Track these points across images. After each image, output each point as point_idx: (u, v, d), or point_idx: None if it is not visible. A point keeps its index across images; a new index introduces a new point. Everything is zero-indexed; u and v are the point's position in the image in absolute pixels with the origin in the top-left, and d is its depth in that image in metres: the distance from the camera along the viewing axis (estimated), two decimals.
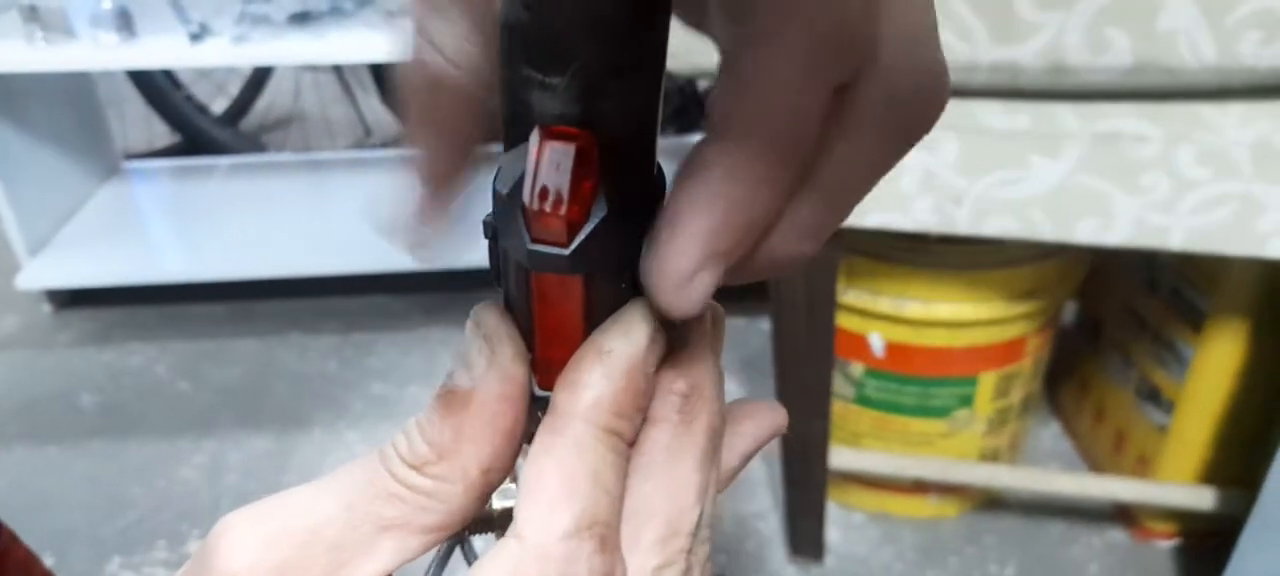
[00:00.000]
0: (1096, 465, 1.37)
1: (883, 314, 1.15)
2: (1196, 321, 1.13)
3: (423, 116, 0.21)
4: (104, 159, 2.03)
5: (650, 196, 0.22)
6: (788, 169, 0.20)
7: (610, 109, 0.20)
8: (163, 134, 2.31)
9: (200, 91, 2.26)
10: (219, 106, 2.35)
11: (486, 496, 0.24)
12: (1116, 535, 1.28)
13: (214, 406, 1.58)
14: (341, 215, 1.93)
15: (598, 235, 0.21)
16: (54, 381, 1.64)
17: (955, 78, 0.96)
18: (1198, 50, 0.85)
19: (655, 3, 0.19)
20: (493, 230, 0.23)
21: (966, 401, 1.20)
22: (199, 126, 2.20)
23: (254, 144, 2.38)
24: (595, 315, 0.23)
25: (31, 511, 1.38)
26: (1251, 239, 0.90)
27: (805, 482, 1.22)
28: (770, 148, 0.19)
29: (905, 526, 1.31)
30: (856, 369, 1.21)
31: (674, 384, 0.23)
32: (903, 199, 0.95)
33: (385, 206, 0.23)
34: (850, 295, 1.15)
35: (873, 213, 0.96)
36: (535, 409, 0.26)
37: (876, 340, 1.17)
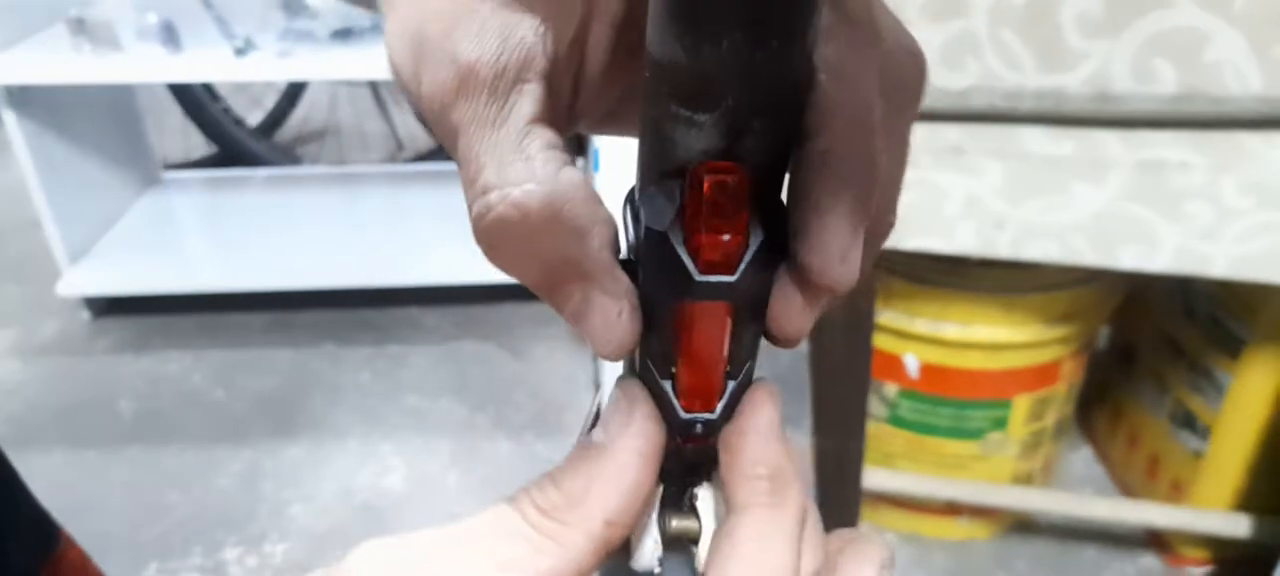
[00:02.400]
0: (1129, 490, 1.37)
1: (919, 335, 1.16)
2: (1234, 349, 1.13)
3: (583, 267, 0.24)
4: (144, 169, 2.07)
5: (781, 223, 0.23)
6: (881, 151, 0.22)
7: (754, 145, 0.21)
8: (199, 145, 2.34)
9: (237, 104, 2.30)
10: (255, 119, 2.39)
11: (607, 549, 0.26)
12: (1149, 561, 1.27)
13: (250, 415, 1.60)
14: (374, 228, 1.96)
15: (755, 262, 0.22)
16: (93, 388, 1.67)
17: (1002, 104, 0.97)
18: (1244, 80, 0.86)
19: (803, 49, 0.20)
20: (636, 265, 0.24)
21: (1000, 424, 1.21)
22: (236, 138, 2.23)
23: (289, 156, 2.41)
24: (740, 338, 0.24)
25: (69, 516, 1.40)
26: None
27: (839, 503, 1.22)
28: (872, 133, 0.22)
29: (937, 548, 1.31)
30: (891, 389, 1.22)
31: (756, 469, 0.25)
32: (946, 222, 0.96)
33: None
34: (886, 316, 1.16)
35: (915, 236, 0.97)
36: (678, 447, 0.27)
37: (912, 361, 1.18)
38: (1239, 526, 1.15)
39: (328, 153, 2.58)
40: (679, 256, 0.21)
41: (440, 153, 2.34)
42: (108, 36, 1.54)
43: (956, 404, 1.19)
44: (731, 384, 0.26)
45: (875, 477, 1.22)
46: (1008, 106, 0.90)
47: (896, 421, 1.23)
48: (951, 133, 0.93)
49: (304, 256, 1.83)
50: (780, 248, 0.23)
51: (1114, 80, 0.88)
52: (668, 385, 0.25)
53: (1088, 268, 0.97)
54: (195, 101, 2.16)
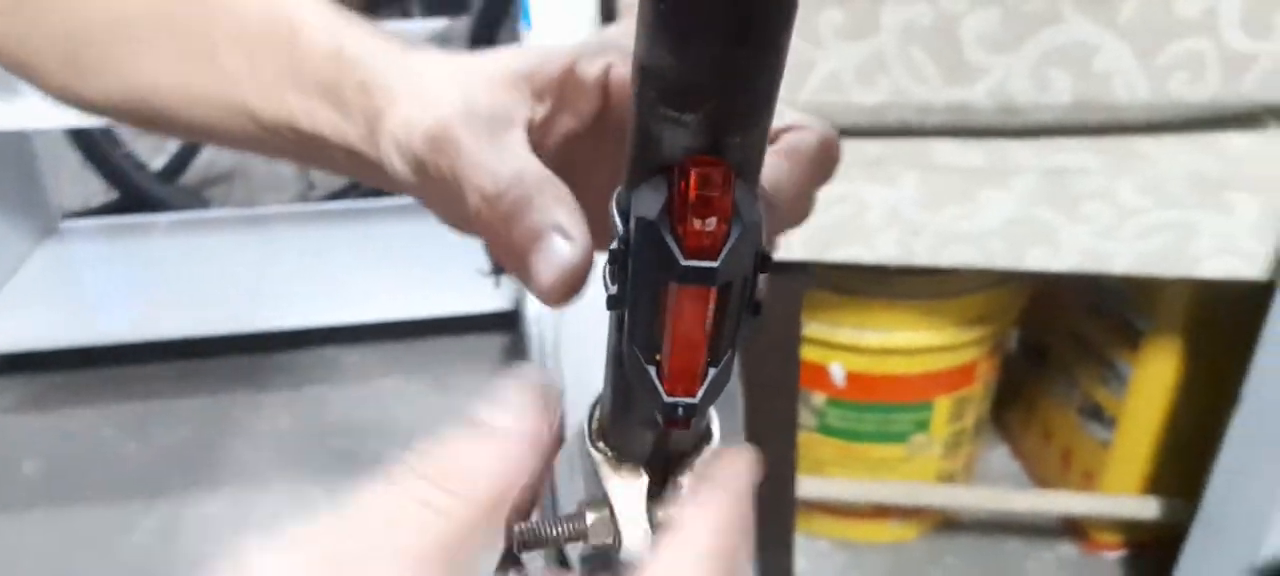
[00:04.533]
0: (1044, 483, 1.43)
1: (843, 344, 1.19)
2: (1135, 341, 1.20)
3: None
4: (41, 219, 1.99)
5: (759, 214, 0.25)
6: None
7: (736, 142, 0.23)
8: (99, 191, 2.26)
9: (139, 148, 2.23)
10: (158, 162, 2.32)
11: (487, 528, 0.25)
12: (1067, 549, 1.33)
13: (164, 469, 1.54)
14: (287, 269, 1.92)
15: (736, 248, 0.24)
16: None
17: (914, 118, 1.02)
18: (1132, 88, 0.92)
19: (779, 56, 0.22)
20: (625, 255, 0.25)
21: (923, 426, 1.25)
22: (138, 183, 2.16)
23: (195, 200, 2.34)
24: (721, 324, 0.26)
25: None
26: (1187, 261, 0.97)
27: (775, 513, 1.25)
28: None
29: (869, 552, 1.35)
30: (819, 399, 1.25)
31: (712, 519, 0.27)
32: (868, 233, 1.00)
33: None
34: (812, 327, 1.20)
35: (840, 246, 1.01)
36: (663, 435, 0.29)
37: (838, 370, 1.22)
38: (1148, 509, 1.21)
39: (236, 194, 2.51)
40: (666, 243, 0.23)
41: (353, 191, 2.31)
42: (4, 81, 1.48)
43: (882, 409, 1.23)
44: (712, 371, 0.27)
45: (807, 486, 1.25)
46: (919, 120, 0.95)
47: (825, 430, 1.27)
48: (872, 147, 0.97)
49: (214, 302, 1.78)
50: (758, 237, 0.24)
51: (1015, 92, 0.94)
52: (652, 370, 0.26)
53: (999, 271, 1.02)
54: (95, 146, 2.09)
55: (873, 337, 1.17)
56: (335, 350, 1.83)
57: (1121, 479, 1.26)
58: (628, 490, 0.32)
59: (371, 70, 0.35)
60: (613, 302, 0.27)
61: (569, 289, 0.30)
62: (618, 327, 0.28)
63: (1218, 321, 1.13)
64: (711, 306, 0.25)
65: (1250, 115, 0.96)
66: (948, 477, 1.32)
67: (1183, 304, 1.14)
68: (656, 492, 0.33)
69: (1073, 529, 1.35)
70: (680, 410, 0.27)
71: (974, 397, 1.27)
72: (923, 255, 1.01)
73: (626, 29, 0.28)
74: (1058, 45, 0.91)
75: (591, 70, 0.34)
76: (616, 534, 0.32)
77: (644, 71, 0.23)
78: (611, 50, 0.34)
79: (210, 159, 2.54)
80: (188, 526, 1.43)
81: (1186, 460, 1.18)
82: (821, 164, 0.31)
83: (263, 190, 2.51)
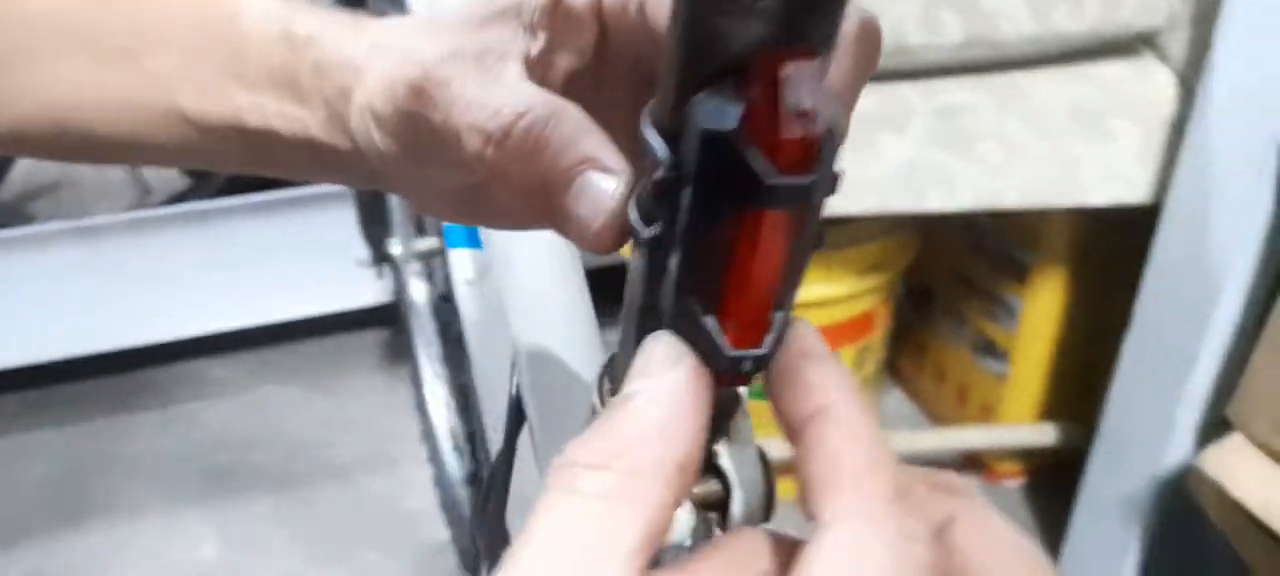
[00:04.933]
0: (942, 421, 1.47)
1: None
2: (1021, 274, 1.23)
3: None
4: None
5: (839, 108, 0.21)
6: None
7: (819, 24, 0.19)
8: None
9: None
10: None
11: (678, 504, 0.22)
12: (970, 482, 1.37)
13: (23, 511, 1.40)
14: (131, 282, 1.76)
15: (828, 157, 0.20)
16: None
17: None
18: (1017, 24, 0.93)
19: None
20: (677, 183, 0.21)
21: None
22: None
23: (16, 215, 2.13)
24: (797, 256, 0.22)
25: None
26: (1076, 191, 0.99)
27: None
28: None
29: (786, 507, 1.35)
30: None
31: (820, 395, 0.24)
32: None
33: None
34: None
35: None
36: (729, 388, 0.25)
37: None
38: (1045, 435, 1.26)
39: (65, 206, 2.30)
40: (747, 161, 0.19)
41: (196, 192, 2.15)
42: None
43: None
44: (778, 315, 0.24)
45: None
46: None
47: None
48: None
49: (51, 324, 1.62)
50: (842, 142, 0.21)
51: (907, 33, 0.94)
52: (710, 322, 0.22)
53: (895, 216, 1.03)
54: None
55: None
56: (199, 363, 1.70)
57: (1018, 409, 1.30)
58: None
59: (329, 48, 0.31)
60: (654, 246, 0.23)
61: (620, 231, 0.25)
62: (652, 277, 0.24)
63: (1100, 247, 1.17)
64: (803, 226, 0.21)
65: (1126, 43, 0.99)
66: None
67: (1065, 234, 1.18)
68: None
69: (973, 462, 1.39)
70: (746, 364, 0.23)
71: (874, 345, 1.29)
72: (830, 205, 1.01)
73: None
74: None
75: None
76: None
77: None
78: None
79: (29, 169, 2.31)
80: (56, 571, 1.30)
81: (1080, 385, 1.23)
82: (866, 49, 0.27)
83: (94, 199, 2.31)
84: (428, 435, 1.40)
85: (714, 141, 0.19)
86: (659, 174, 0.22)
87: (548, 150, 0.26)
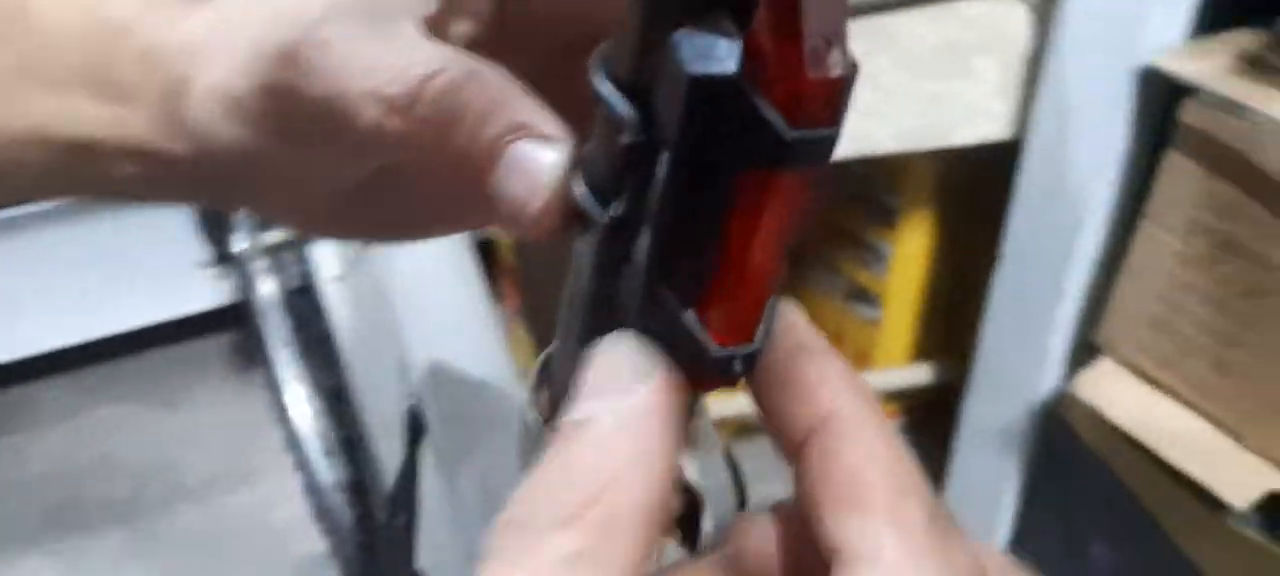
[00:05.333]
0: None
1: None
2: (890, 219, 1.24)
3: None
4: None
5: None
6: None
7: None
8: None
9: None
10: None
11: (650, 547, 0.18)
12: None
13: None
14: None
15: (848, 101, 0.16)
16: None
17: None
18: None
19: None
20: (650, 148, 0.17)
21: None
22: None
23: None
24: (800, 217, 0.18)
25: None
26: (943, 131, 1.00)
27: None
28: None
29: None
30: None
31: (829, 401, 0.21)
32: None
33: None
34: None
35: None
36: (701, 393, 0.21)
37: None
38: (921, 375, 1.28)
39: None
40: (756, 113, 0.15)
41: None
42: None
43: None
44: (771, 303, 0.20)
45: None
46: None
47: None
48: None
49: None
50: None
51: None
52: (691, 317, 0.18)
53: None
54: None
55: None
56: (26, 389, 1.54)
57: (893, 352, 1.32)
58: None
59: (156, 31, 0.25)
60: (614, 229, 0.19)
61: (565, 212, 0.21)
62: (610, 265, 0.20)
63: (965, 186, 1.19)
64: (808, 188, 0.17)
65: None
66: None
67: (930, 175, 1.19)
68: None
69: None
70: (736, 364, 0.19)
71: None
72: None
73: None
74: None
75: None
76: None
77: None
78: None
79: None
80: None
81: (953, 323, 1.26)
82: None
83: None
84: (292, 442, 1.31)
85: (708, 90, 0.15)
86: (625, 138, 0.17)
87: (467, 117, 0.21)
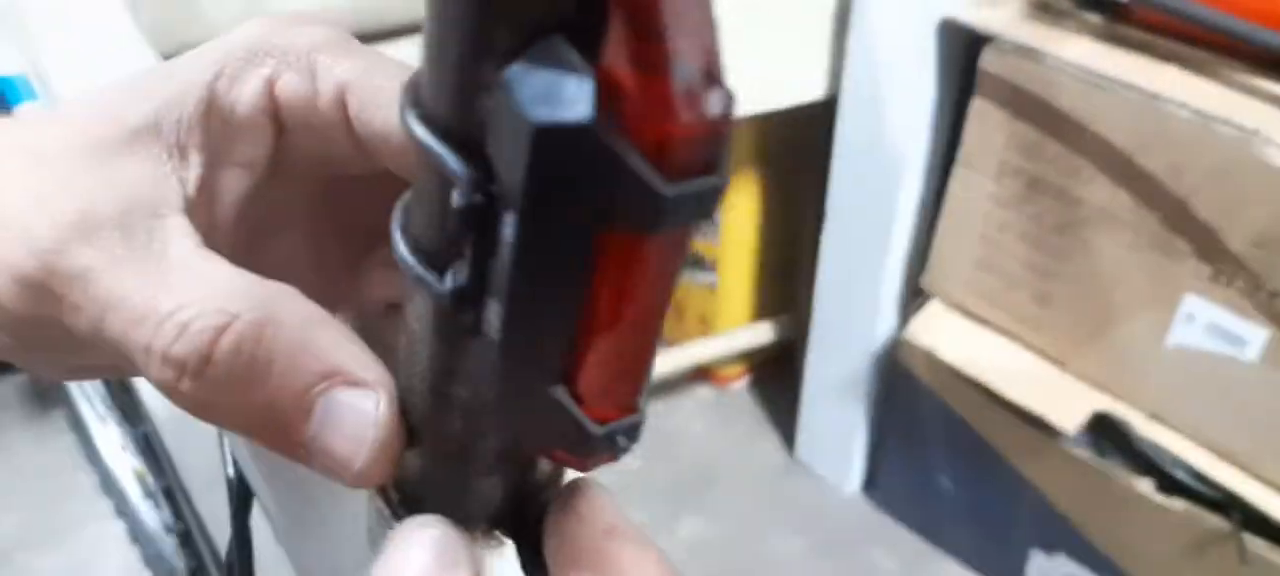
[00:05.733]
0: (664, 341, 1.48)
1: None
2: None
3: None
4: None
5: None
6: None
7: None
8: None
9: None
10: None
11: None
12: (702, 390, 1.40)
13: None
14: None
15: (729, 140, 0.14)
16: None
17: None
18: None
19: None
20: (489, 209, 0.14)
21: None
22: None
23: None
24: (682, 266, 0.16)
25: None
26: (759, 98, 1.00)
27: None
28: None
29: None
30: None
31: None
32: None
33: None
34: None
35: None
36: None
37: None
38: (762, 333, 1.31)
39: None
40: (622, 164, 0.12)
41: None
42: None
43: None
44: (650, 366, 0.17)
45: None
46: None
47: None
48: None
49: None
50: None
51: None
52: (561, 393, 0.16)
53: None
54: None
55: None
56: None
57: (733, 314, 1.33)
58: (495, 569, 0.21)
59: None
60: (458, 299, 0.16)
61: (390, 459, 0.19)
62: (453, 341, 0.17)
63: (788, 147, 1.21)
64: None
65: None
66: None
67: (751, 139, 1.20)
68: (528, 558, 0.22)
69: (702, 372, 1.41)
70: (620, 439, 0.17)
71: None
72: None
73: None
74: None
75: (245, 93, 0.21)
76: None
77: None
78: (265, 53, 0.21)
79: None
80: None
81: (788, 281, 1.28)
82: None
83: None
84: (108, 486, 1.20)
85: (557, 141, 0.12)
86: (458, 200, 0.14)
87: (270, 373, 0.18)
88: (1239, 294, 0.79)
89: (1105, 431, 0.90)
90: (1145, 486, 0.88)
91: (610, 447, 0.16)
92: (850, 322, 1.12)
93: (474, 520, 0.21)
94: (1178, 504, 0.87)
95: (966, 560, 1.12)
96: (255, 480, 0.33)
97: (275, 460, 0.36)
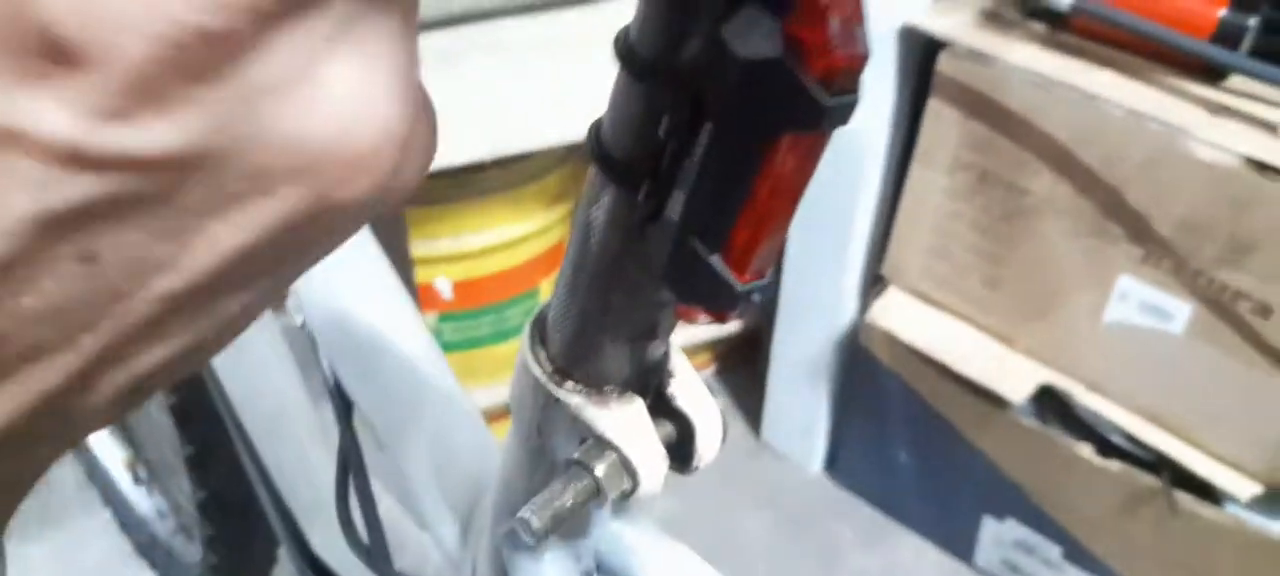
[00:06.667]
0: None
1: (444, 256, 1.15)
2: None
3: None
4: None
5: None
6: None
7: None
8: None
9: None
10: None
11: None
12: None
13: None
14: None
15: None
16: None
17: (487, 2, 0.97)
18: None
19: None
20: (688, 129, 0.21)
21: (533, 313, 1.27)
22: None
23: None
24: None
25: None
26: None
27: None
28: None
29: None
30: (429, 318, 1.20)
31: None
32: (455, 132, 0.96)
33: None
34: (411, 248, 1.14)
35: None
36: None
37: (443, 283, 1.17)
38: (728, 323, 1.38)
39: None
40: (801, 84, 0.19)
41: None
42: None
43: (494, 309, 1.22)
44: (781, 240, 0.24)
45: None
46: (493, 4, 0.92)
47: (444, 347, 1.22)
48: (440, 38, 0.92)
49: None
50: None
51: None
52: (717, 260, 0.22)
53: (570, 144, 1.05)
54: None
55: (473, 241, 1.15)
56: None
57: None
58: (628, 420, 0.28)
59: None
60: (654, 195, 0.22)
61: None
62: (634, 227, 0.23)
63: None
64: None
65: None
66: None
67: None
68: (651, 411, 0.29)
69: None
70: (755, 296, 0.23)
71: None
72: (516, 143, 1.00)
73: None
74: None
75: None
76: (633, 474, 0.27)
77: None
78: None
79: None
80: None
81: None
82: None
83: None
84: (93, 475, 1.22)
85: (758, 69, 0.19)
86: (663, 127, 0.21)
87: None
88: (1167, 273, 0.88)
89: (1049, 402, 0.99)
90: (1085, 450, 0.97)
91: (748, 300, 0.23)
92: (814, 309, 1.19)
93: (613, 380, 0.27)
94: (1115, 465, 0.95)
95: (923, 530, 1.20)
96: (354, 391, 0.39)
97: (373, 372, 0.41)
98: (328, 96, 0.14)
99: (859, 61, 0.19)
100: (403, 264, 1.04)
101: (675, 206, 0.21)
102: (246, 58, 0.13)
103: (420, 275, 1.15)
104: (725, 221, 0.21)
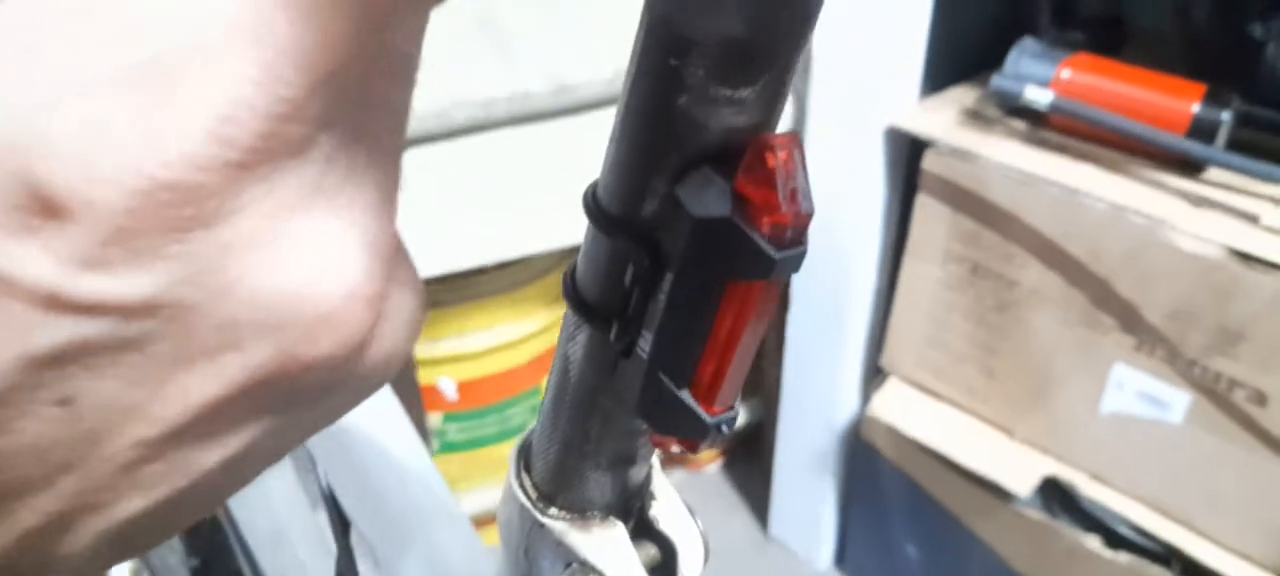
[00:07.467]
0: None
1: (447, 357, 1.17)
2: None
3: None
4: None
5: None
6: None
7: (778, 106, 0.21)
8: None
9: None
10: None
11: None
12: (679, 475, 1.47)
13: None
14: None
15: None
16: None
17: (479, 112, 1.00)
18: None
19: None
20: (653, 275, 0.22)
21: (537, 410, 1.28)
22: None
23: None
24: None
25: None
26: None
27: None
28: None
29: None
30: (435, 419, 1.21)
31: None
32: (457, 239, 0.99)
33: None
34: (415, 349, 1.15)
35: (433, 264, 0.98)
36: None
37: (447, 384, 1.19)
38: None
39: None
40: (750, 239, 0.20)
41: None
42: None
43: (497, 408, 1.23)
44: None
45: None
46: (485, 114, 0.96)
47: (447, 448, 1.23)
48: (442, 150, 0.95)
49: None
50: None
51: (564, 74, 0.98)
52: (686, 394, 0.24)
53: (565, 249, 1.07)
54: None
55: (476, 341, 1.17)
56: None
57: None
58: (611, 544, 0.29)
59: None
60: (623, 335, 0.24)
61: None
62: (608, 362, 0.25)
63: None
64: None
65: None
66: None
67: None
68: (634, 534, 0.30)
69: (674, 458, 1.48)
70: (723, 426, 0.24)
71: None
72: (513, 249, 1.03)
73: None
74: (601, 25, 0.97)
75: None
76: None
77: (688, 48, 0.19)
78: None
79: None
80: None
81: (755, 366, 1.36)
82: None
83: None
84: None
85: (711, 226, 0.21)
86: (629, 274, 0.22)
87: None
88: (1161, 362, 0.88)
89: (1054, 493, 0.99)
90: (1093, 542, 0.96)
91: (717, 432, 0.24)
92: (816, 403, 1.20)
93: (595, 505, 0.28)
94: (1123, 557, 0.95)
95: None
96: (349, 508, 0.40)
97: (369, 489, 0.42)
98: (296, 251, 0.15)
99: (804, 219, 0.21)
100: (407, 365, 1.06)
101: (645, 345, 0.23)
102: (217, 211, 0.14)
103: (424, 376, 1.17)
104: (690, 359, 0.23)
